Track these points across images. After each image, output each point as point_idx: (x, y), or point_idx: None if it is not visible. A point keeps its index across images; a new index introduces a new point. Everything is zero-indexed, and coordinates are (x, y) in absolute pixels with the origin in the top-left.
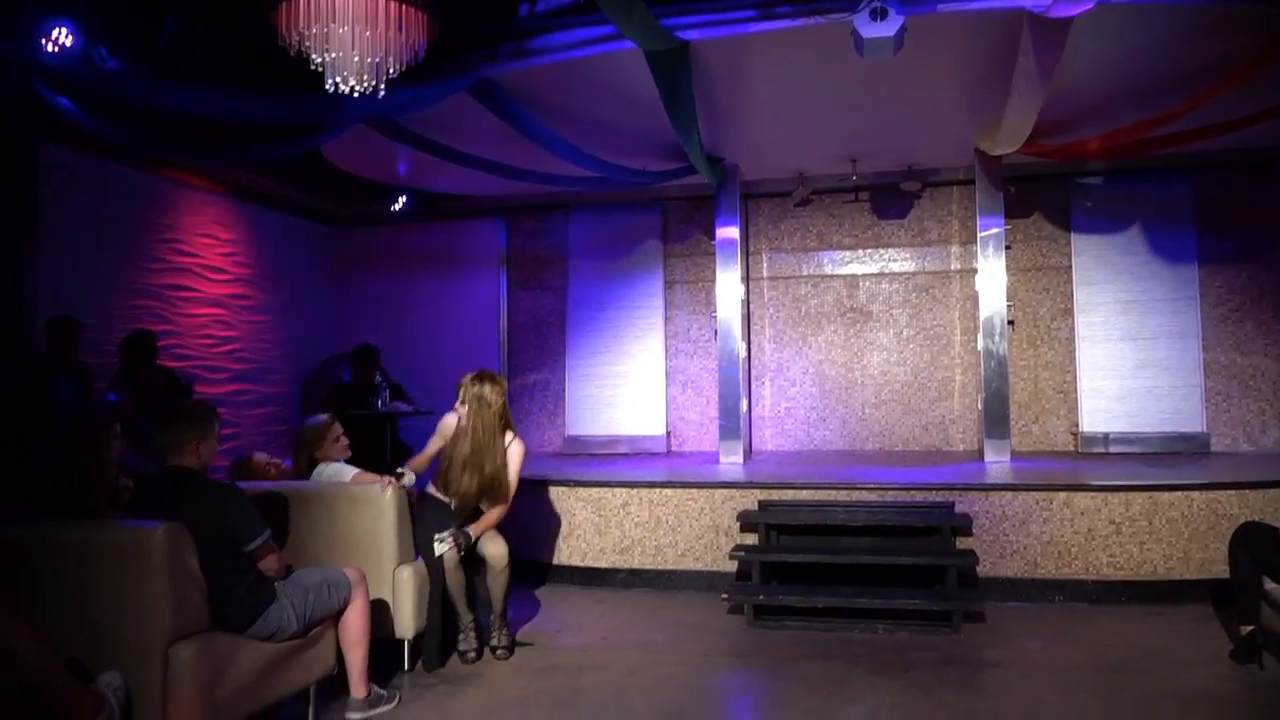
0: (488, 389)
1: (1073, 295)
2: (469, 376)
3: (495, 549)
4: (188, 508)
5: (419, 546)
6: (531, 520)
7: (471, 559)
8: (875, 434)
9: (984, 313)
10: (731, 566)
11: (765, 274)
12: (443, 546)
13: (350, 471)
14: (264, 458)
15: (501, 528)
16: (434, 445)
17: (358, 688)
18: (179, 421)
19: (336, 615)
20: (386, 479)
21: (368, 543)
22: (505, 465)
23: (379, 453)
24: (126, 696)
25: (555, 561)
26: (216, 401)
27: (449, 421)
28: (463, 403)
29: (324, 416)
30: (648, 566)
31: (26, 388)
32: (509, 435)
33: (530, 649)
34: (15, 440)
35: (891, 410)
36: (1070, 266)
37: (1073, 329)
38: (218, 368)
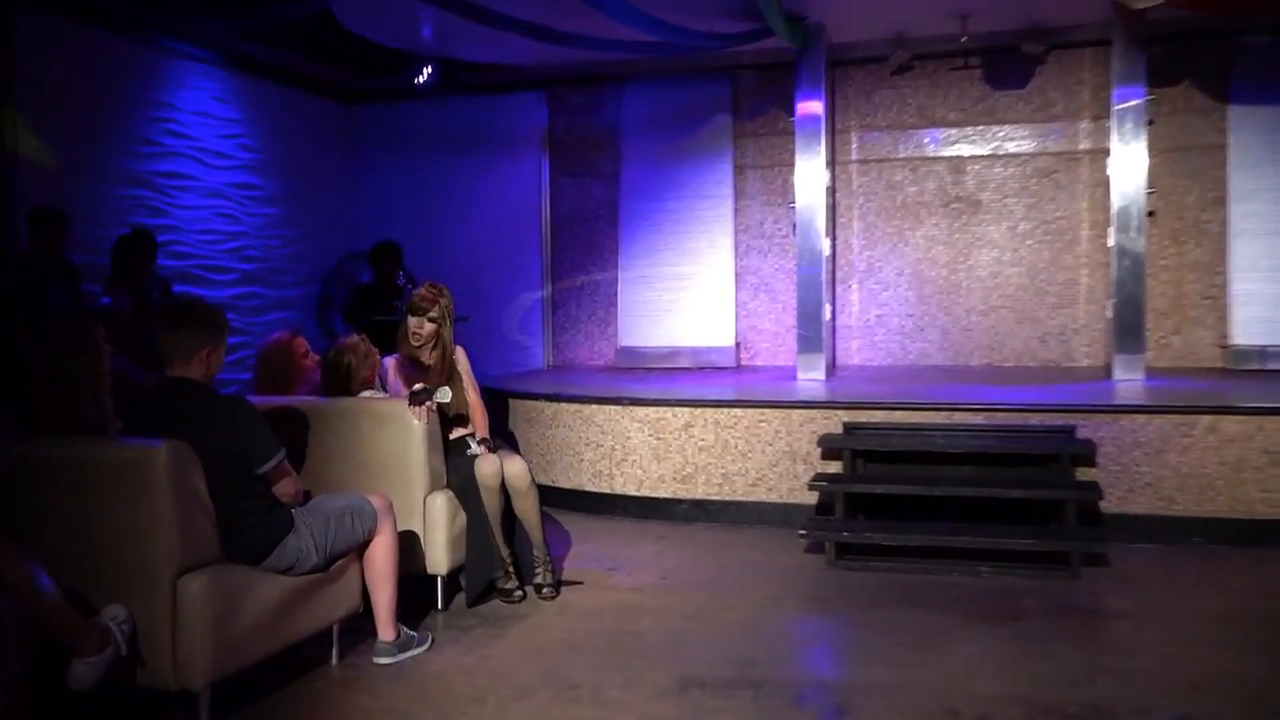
0: (448, 299)
1: (1227, 181)
2: (430, 287)
3: (514, 466)
4: (192, 425)
5: (452, 472)
6: (579, 444)
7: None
8: (982, 346)
9: (1117, 202)
10: (810, 498)
11: (854, 156)
12: (478, 448)
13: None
14: (305, 341)
15: (535, 451)
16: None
17: (386, 629)
18: (190, 324)
19: (361, 548)
20: (419, 407)
21: (395, 466)
22: (464, 373)
23: None
24: (132, 631)
25: (607, 491)
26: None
27: (390, 364)
28: (429, 319)
29: (355, 337)
30: (713, 497)
31: (15, 287)
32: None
33: (579, 588)
34: (5, 346)
35: (1003, 319)
36: (1225, 145)
37: (1225, 221)
38: (223, 267)
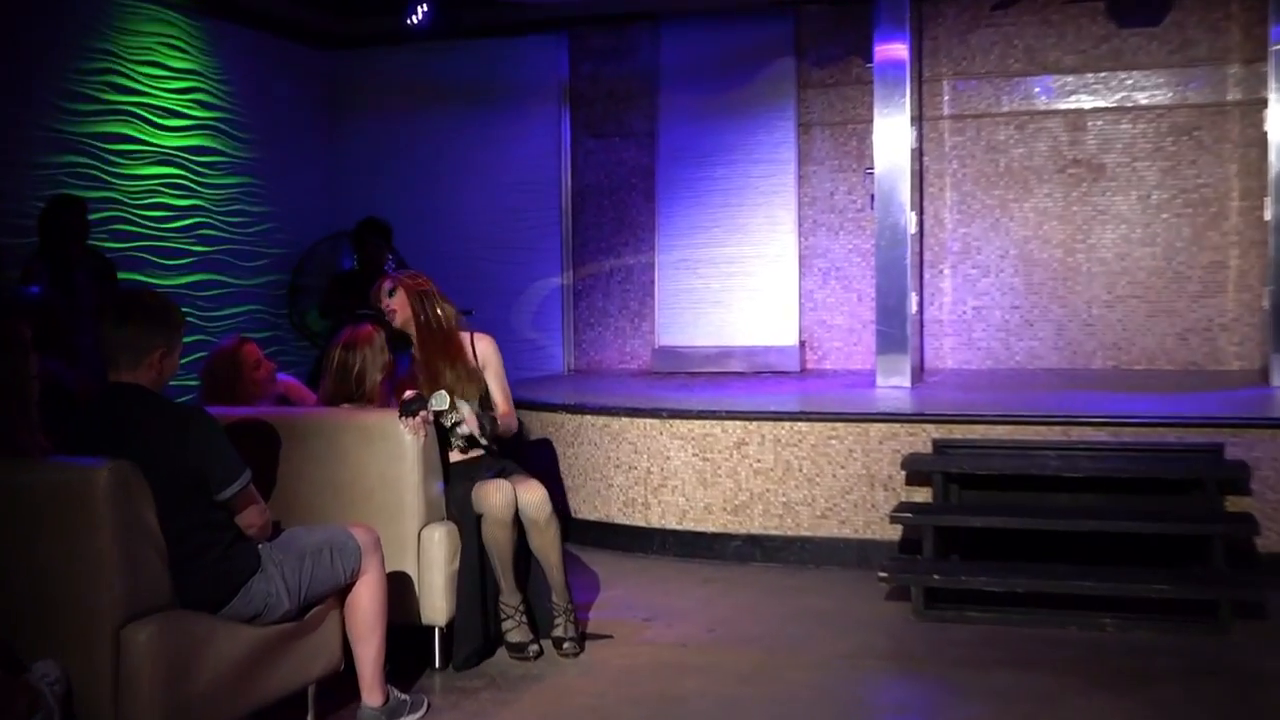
0: (429, 284)
1: None
2: (396, 278)
3: (530, 494)
4: (139, 441)
5: (451, 501)
6: (607, 466)
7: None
8: (1106, 345)
9: (1276, 165)
10: (893, 533)
11: (946, 111)
12: (465, 417)
13: None
14: (257, 348)
15: (549, 474)
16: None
17: (371, 691)
18: (141, 319)
19: (342, 592)
20: (412, 419)
21: (384, 493)
22: (479, 376)
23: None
24: (66, 691)
25: (642, 524)
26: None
27: None
28: (389, 293)
29: (368, 326)
30: (772, 531)
31: None
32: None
33: (607, 643)
34: None
35: (1132, 310)
36: None
37: None
38: (175, 250)
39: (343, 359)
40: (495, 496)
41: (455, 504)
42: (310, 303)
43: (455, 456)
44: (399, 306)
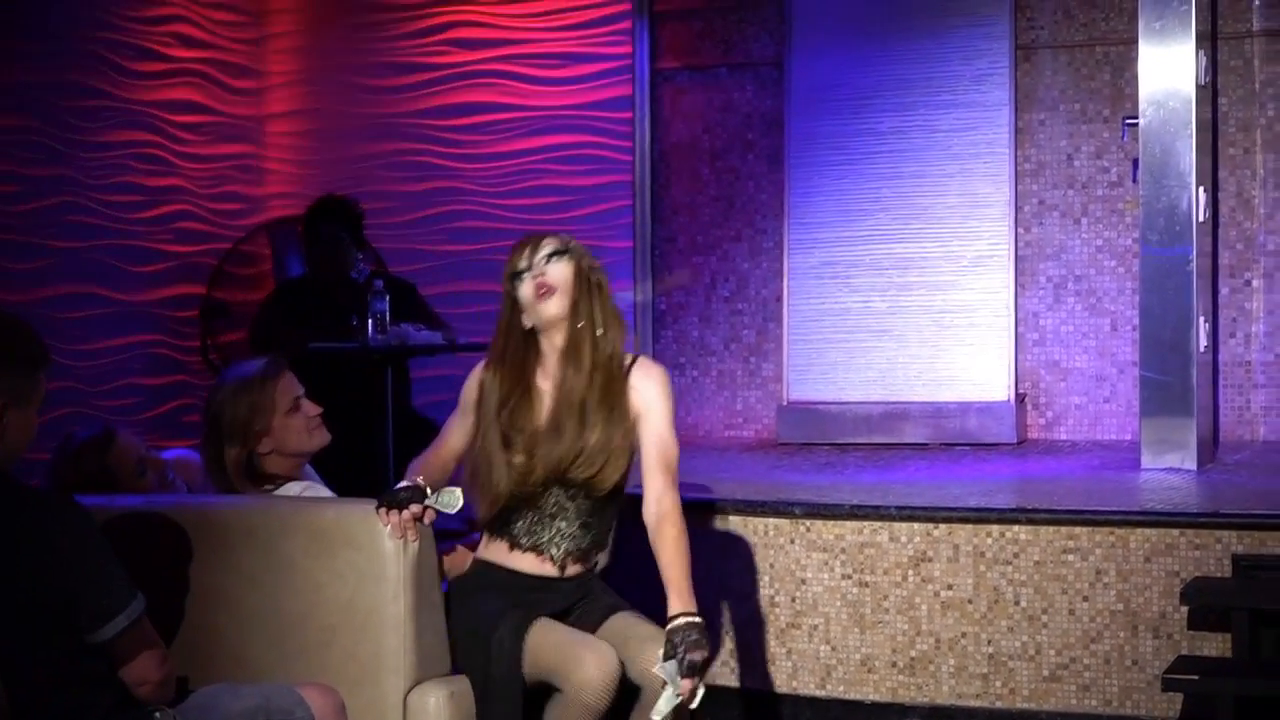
0: (586, 256)
1: None
2: (541, 241)
3: (650, 653)
4: None
5: (460, 648)
6: (699, 595)
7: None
8: None
9: None
10: (1169, 707)
11: (1257, 24)
12: (672, 672)
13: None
14: (134, 444)
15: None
16: (456, 435)
17: None
18: None
19: None
20: (398, 514)
21: (352, 632)
22: (644, 419)
23: (372, 434)
24: None
25: (759, 687)
26: (133, 317)
27: (475, 383)
28: (552, 254)
29: (256, 365)
30: (971, 702)
31: None
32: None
33: None
34: None
35: None
36: None
37: None
38: (147, 251)
39: (214, 422)
40: (591, 667)
41: (475, 660)
42: (225, 329)
43: (513, 558)
44: (559, 281)
